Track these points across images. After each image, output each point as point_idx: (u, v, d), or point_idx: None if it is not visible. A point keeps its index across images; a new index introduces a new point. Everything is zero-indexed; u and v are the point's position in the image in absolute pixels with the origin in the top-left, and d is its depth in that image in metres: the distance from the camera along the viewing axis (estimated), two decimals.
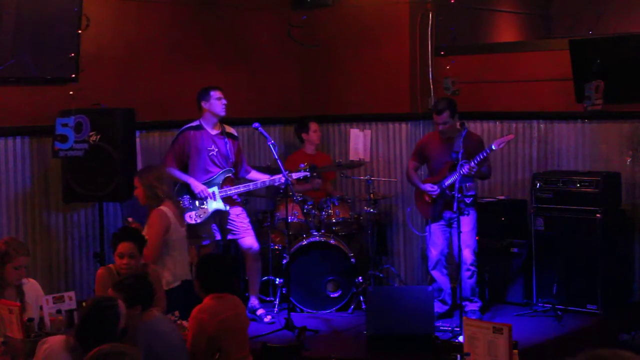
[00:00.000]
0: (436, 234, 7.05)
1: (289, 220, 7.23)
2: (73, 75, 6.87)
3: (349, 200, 7.93)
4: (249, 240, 7.12)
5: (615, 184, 7.31)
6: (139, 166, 7.20)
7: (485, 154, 6.73)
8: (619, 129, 7.45)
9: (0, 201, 6.75)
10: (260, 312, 7.10)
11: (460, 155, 6.66)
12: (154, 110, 7.58)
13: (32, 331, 4.82)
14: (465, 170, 6.67)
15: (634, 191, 7.42)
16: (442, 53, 8.13)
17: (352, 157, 8.44)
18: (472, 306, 6.94)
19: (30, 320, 4.89)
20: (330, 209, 7.68)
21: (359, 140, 8.51)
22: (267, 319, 7.02)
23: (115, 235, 5.73)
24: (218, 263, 5.27)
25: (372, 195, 7.65)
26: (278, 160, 6.89)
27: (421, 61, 8.22)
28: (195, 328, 4.88)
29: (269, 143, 6.89)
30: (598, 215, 7.09)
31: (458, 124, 6.89)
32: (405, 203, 8.25)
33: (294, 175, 7.12)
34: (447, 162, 6.86)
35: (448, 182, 6.84)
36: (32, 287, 5.39)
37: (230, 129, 7.22)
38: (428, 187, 7.00)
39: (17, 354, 4.67)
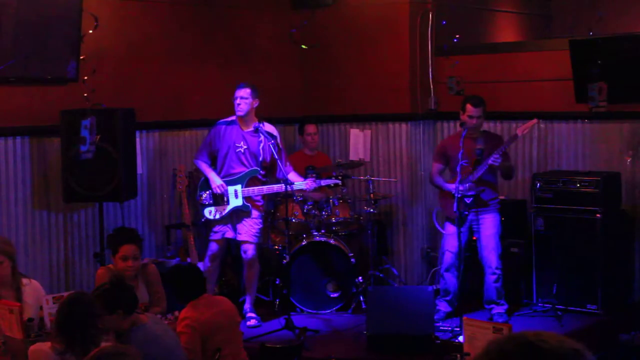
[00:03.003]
0: (454, 235, 6.82)
1: (289, 220, 7.23)
2: (73, 75, 6.89)
3: (349, 200, 7.93)
4: (245, 245, 7.04)
5: (615, 184, 7.31)
6: (139, 166, 7.20)
7: (510, 144, 6.77)
8: (619, 129, 7.45)
9: (0, 201, 6.75)
10: (249, 315, 7.07)
11: (460, 155, 6.68)
12: (154, 110, 7.58)
13: (32, 331, 4.82)
14: (490, 161, 6.68)
15: (634, 191, 7.42)
16: (445, 51, 8.12)
17: (352, 157, 8.44)
18: (499, 309, 6.91)
19: (30, 320, 4.89)
20: (330, 209, 7.68)
21: (359, 140, 8.51)
22: (250, 322, 6.96)
23: (113, 237, 5.71)
24: (187, 273, 5.30)
25: (372, 195, 7.65)
26: (278, 161, 6.88)
27: (421, 61, 8.21)
28: (186, 330, 4.89)
29: (269, 143, 6.88)
30: (598, 215, 7.08)
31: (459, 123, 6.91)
32: (406, 203, 8.26)
33: (323, 182, 7.07)
34: (469, 161, 6.85)
35: (475, 176, 6.81)
36: (33, 287, 5.39)
37: (269, 127, 7.07)
38: (454, 186, 6.91)
39: (17, 354, 4.67)
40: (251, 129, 7.01)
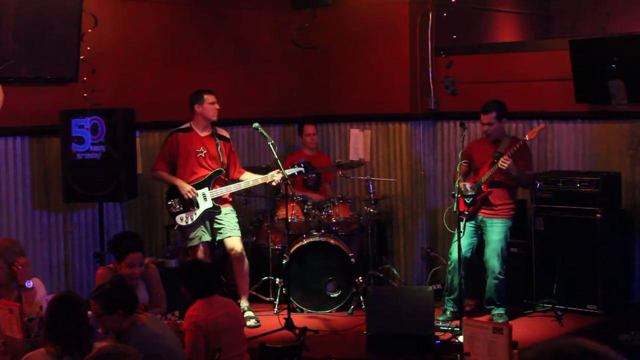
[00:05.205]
0: (465, 234, 6.79)
1: (289, 220, 7.23)
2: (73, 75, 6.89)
3: (349, 200, 7.93)
4: (232, 241, 7.03)
5: (615, 184, 7.30)
6: (139, 166, 7.20)
7: (517, 146, 6.75)
8: (619, 129, 7.45)
9: (0, 201, 6.74)
10: (247, 314, 7.05)
11: (460, 156, 6.68)
12: (154, 110, 7.58)
13: (32, 331, 4.82)
14: (499, 164, 6.69)
15: (634, 191, 7.42)
16: (442, 54, 8.12)
17: (352, 157, 8.44)
18: (499, 310, 6.95)
19: (31, 320, 4.89)
20: (330, 209, 7.68)
21: (359, 140, 8.51)
22: (249, 322, 6.93)
23: (118, 244, 5.67)
24: (201, 269, 5.31)
25: (372, 195, 7.65)
26: (278, 161, 6.88)
27: (421, 61, 8.21)
28: (191, 329, 4.90)
29: (269, 143, 6.89)
30: (598, 215, 7.08)
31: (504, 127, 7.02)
32: (406, 203, 8.26)
33: (287, 172, 7.04)
34: (486, 162, 6.85)
35: (484, 178, 6.83)
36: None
37: (222, 131, 7.21)
38: (467, 185, 6.92)
39: (17, 354, 4.67)
40: (208, 133, 7.08)
